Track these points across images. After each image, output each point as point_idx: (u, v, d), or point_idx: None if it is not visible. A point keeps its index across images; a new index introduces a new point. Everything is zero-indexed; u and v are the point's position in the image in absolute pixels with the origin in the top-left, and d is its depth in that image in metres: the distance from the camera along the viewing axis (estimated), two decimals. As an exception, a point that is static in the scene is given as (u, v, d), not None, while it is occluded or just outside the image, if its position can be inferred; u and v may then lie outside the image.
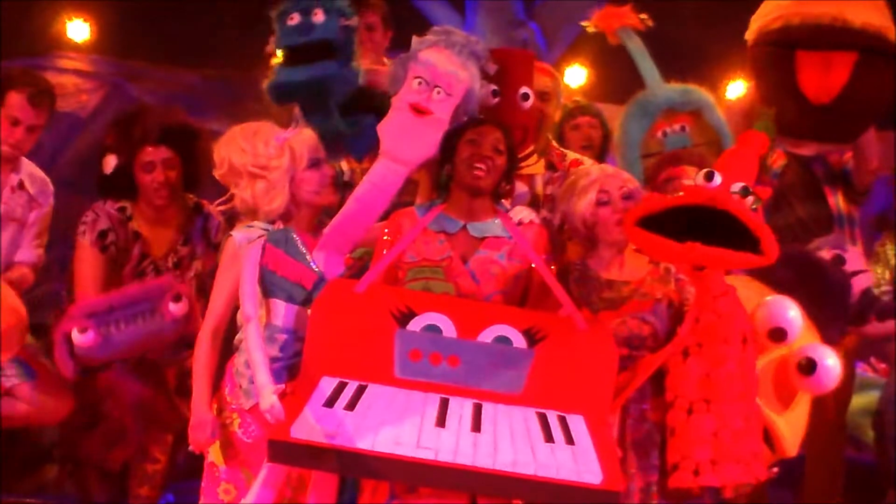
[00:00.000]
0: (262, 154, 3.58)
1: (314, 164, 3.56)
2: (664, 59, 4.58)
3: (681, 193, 3.28)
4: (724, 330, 3.19)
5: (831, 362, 3.41)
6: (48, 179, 4.35)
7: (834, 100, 4.52)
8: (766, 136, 3.48)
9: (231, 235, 3.58)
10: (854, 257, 4.28)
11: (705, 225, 3.11)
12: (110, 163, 4.36)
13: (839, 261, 4.23)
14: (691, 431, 3.14)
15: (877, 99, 4.58)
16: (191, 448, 3.46)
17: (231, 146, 3.60)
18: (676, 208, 3.17)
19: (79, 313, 3.65)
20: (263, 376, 3.11)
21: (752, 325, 3.28)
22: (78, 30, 5.88)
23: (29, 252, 4.23)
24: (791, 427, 3.49)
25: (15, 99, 4.18)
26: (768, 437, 3.43)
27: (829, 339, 3.59)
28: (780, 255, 3.63)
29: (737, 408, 3.15)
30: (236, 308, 3.48)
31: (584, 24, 4.71)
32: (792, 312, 3.41)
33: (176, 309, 3.66)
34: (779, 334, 3.40)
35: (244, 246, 3.47)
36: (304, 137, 3.61)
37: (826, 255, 4.25)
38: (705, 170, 3.25)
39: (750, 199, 3.21)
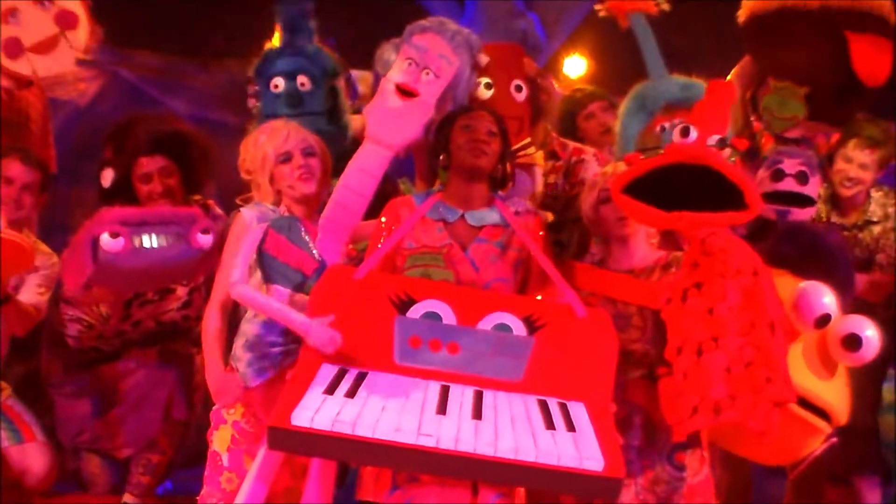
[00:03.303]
0: (247, 159, 3.63)
1: (284, 159, 3.56)
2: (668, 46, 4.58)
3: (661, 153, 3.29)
4: (719, 266, 3.16)
5: (871, 333, 3.48)
6: (55, 256, 4.29)
7: (884, 84, 4.59)
8: (732, 84, 3.55)
9: (240, 211, 3.58)
10: (813, 185, 4.31)
11: (691, 182, 3.12)
12: (108, 176, 4.38)
13: (803, 178, 4.26)
14: (704, 371, 3.10)
15: None
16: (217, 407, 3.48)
17: (240, 154, 3.68)
18: (662, 169, 3.18)
19: (111, 218, 3.57)
20: (294, 315, 3.12)
21: (758, 258, 3.25)
22: (76, 18, 5.85)
23: (31, 294, 4.18)
24: (838, 396, 3.54)
25: (8, 161, 4.27)
26: (821, 411, 3.48)
27: (843, 304, 3.63)
28: (782, 231, 3.67)
29: (747, 339, 3.11)
30: None
31: (596, 7, 4.71)
32: (828, 297, 3.49)
33: (203, 240, 3.62)
34: (825, 321, 3.48)
35: (253, 223, 3.48)
36: (272, 132, 3.61)
37: (792, 165, 4.28)
38: (681, 125, 3.29)
39: (727, 150, 3.26)
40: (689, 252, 3.29)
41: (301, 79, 4.04)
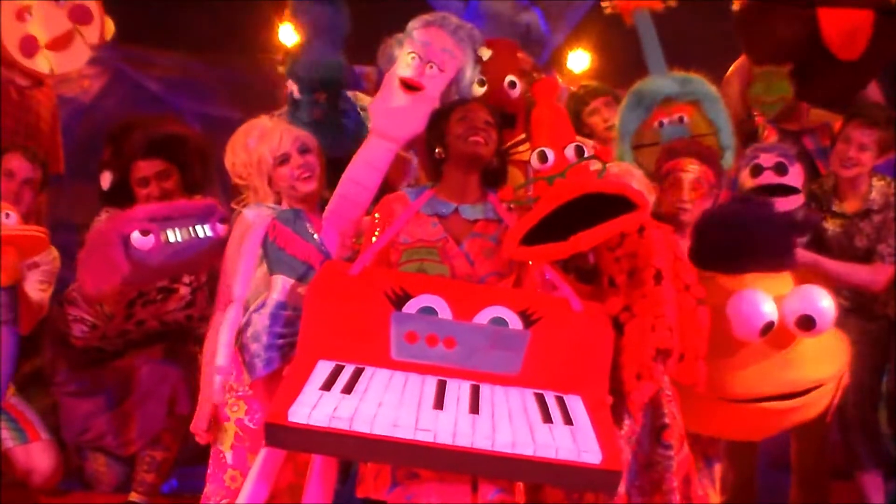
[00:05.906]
0: (238, 163, 3.62)
1: (282, 160, 3.57)
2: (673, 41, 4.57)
3: (534, 201, 3.31)
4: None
5: (825, 304, 3.45)
6: (54, 251, 4.31)
7: (861, 56, 4.56)
8: (551, 79, 3.57)
9: (242, 212, 3.59)
10: (794, 175, 4.29)
11: (582, 206, 3.13)
12: (106, 179, 4.39)
13: (781, 169, 4.25)
14: (629, 340, 3.15)
15: (892, 57, 4.64)
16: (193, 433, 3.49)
17: (227, 158, 3.67)
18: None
19: (140, 216, 3.58)
20: (221, 358, 3.29)
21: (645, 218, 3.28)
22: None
23: (33, 291, 4.19)
24: (829, 358, 3.57)
25: (11, 155, 4.29)
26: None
27: (781, 264, 3.62)
28: (697, 230, 3.60)
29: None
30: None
31: (603, 4, 4.72)
32: (766, 304, 3.43)
33: (222, 230, 3.64)
34: (769, 328, 3.43)
35: (256, 222, 3.49)
36: (263, 134, 3.61)
37: (769, 159, 4.27)
38: (536, 152, 3.32)
39: (587, 156, 3.29)
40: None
41: (318, 95, 4.03)
